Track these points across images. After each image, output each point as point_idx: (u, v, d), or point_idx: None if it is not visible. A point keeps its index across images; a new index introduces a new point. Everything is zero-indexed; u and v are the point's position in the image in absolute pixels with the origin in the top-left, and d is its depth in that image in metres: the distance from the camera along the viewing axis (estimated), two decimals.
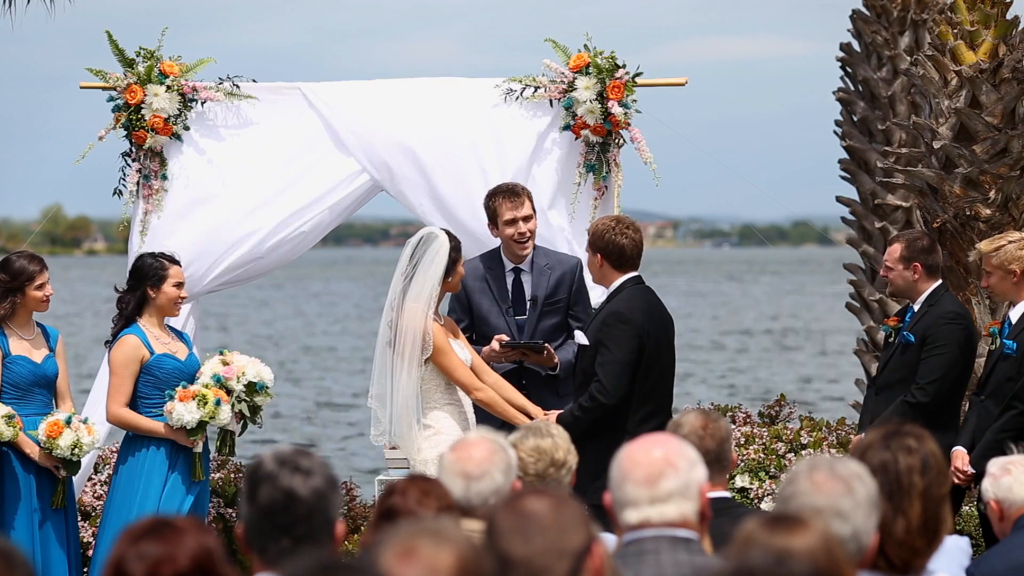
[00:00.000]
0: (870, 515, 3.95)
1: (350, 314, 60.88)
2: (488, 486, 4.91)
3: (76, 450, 8.17)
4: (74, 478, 8.51)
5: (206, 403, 8.25)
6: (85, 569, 8.84)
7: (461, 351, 8.35)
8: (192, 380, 8.41)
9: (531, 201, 8.78)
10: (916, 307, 8.50)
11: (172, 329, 8.66)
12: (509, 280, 8.83)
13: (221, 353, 8.58)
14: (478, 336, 8.81)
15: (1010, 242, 8.40)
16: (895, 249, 8.55)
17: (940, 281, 8.54)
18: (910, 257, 8.48)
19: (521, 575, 3.49)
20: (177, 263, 8.56)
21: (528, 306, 8.78)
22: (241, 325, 53.79)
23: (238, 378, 8.42)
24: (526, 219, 8.72)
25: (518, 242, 8.75)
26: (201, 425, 8.29)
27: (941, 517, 4.25)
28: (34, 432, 8.20)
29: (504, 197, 8.74)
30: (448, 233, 8.38)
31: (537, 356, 8.57)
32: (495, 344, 8.61)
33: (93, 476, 9.62)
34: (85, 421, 8.31)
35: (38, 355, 8.39)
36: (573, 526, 3.55)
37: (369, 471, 18.83)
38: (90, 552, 8.89)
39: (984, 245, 8.48)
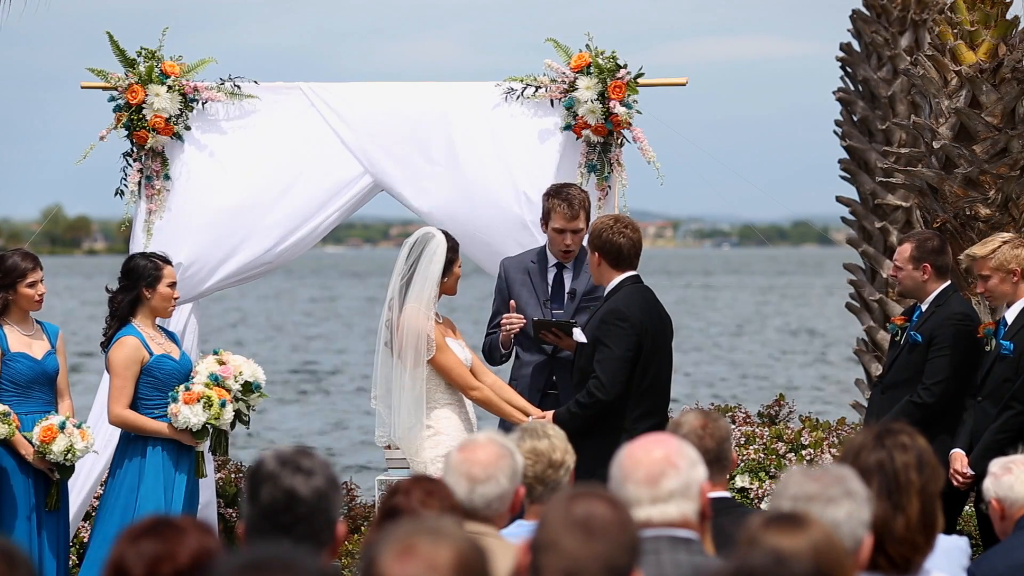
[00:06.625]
0: (863, 513, 3.96)
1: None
2: (492, 490, 4.90)
3: (69, 455, 8.15)
4: (69, 480, 8.48)
5: (211, 405, 8.25)
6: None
7: (460, 351, 8.35)
8: (187, 380, 8.41)
9: (586, 213, 8.61)
10: (924, 307, 8.45)
11: (162, 329, 8.67)
12: (551, 275, 8.76)
13: (215, 353, 8.58)
14: None
15: (1004, 242, 8.35)
16: (905, 249, 8.50)
17: (949, 282, 8.50)
18: (920, 258, 8.43)
19: (559, 566, 3.49)
20: (170, 263, 8.56)
21: (566, 298, 8.71)
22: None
23: (235, 377, 8.42)
24: (575, 232, 8.59)
25: (562, 251, 8.68)
26: (206, 427, 8.29)
27: (937, 514, 4.27)
28: (29, 434, 8.18)
29: (560, 203, 8.56)
30: (445, 234, 8.38)
31: (569, 340, 8.39)
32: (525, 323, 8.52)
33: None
34: (79, 425, 8.28)
35: (38, 352, 8.37)
36: (629, 546, 3.56)
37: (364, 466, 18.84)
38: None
39: (977, 250, 8.39)
